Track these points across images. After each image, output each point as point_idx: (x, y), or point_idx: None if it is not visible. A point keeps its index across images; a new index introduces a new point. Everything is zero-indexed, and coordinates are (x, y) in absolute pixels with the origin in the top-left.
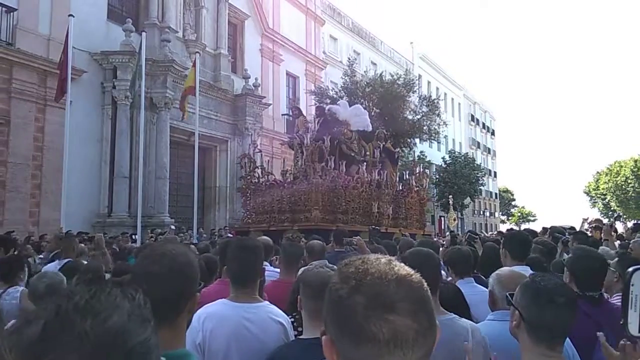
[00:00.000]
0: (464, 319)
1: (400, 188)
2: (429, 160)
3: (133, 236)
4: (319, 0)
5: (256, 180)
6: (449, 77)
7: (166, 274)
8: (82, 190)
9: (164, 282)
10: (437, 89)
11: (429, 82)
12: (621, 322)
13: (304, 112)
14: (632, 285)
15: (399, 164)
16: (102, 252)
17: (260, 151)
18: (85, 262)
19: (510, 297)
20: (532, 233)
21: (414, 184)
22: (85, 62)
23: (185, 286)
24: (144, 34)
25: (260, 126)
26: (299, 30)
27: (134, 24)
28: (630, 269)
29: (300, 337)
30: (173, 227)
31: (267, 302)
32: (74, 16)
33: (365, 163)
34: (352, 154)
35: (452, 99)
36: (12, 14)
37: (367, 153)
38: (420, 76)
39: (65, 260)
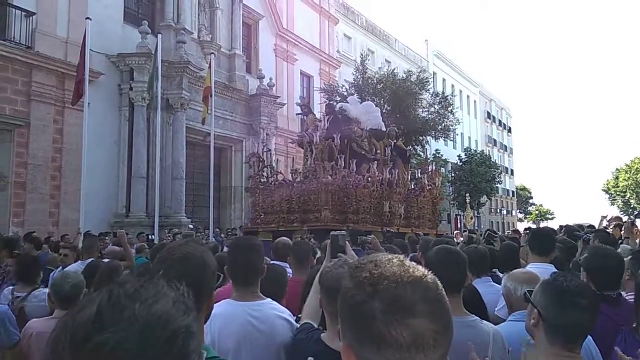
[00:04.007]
0: (485, 322)
1: (413, 187)
2: (445, 159)
3: (150, 236)
4: None
5: (265, 180)
6: (465, 75)
7: (183, 276)
8: (100, 191)
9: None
10: (453, 86)
11: (444, 80)
12: (634, 325)
13: (317, 111)
14: None
15: (412, 162)
16: (125, 249)
17: (270, 150)
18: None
19: (529, 295)
20: (552, 232)
21: (427, 182)
22: (103, 64)
23: (203, 286)
24: (160, 35)
25: (275, 126)
26: (313, 30)
27: (150, 26)
28: None
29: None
30: (191, 226)
31: (269, 300)
32: (91, 19)
33: (376, 162)
34: (363, 153)
35: (468, 96)
36: (31, 18)
37: (378, 151)
38: (435, 74)
39: (89, 261)
